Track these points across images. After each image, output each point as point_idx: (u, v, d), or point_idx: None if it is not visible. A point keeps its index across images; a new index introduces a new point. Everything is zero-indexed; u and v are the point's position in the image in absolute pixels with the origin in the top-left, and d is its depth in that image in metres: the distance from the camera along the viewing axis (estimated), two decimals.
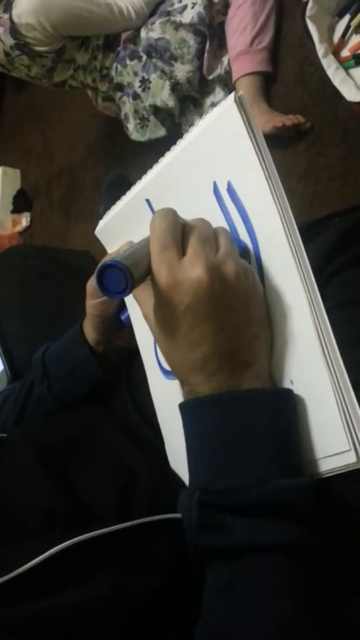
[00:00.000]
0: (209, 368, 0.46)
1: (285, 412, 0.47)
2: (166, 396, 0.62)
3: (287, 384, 0.49)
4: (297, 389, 0.48)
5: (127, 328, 0.70)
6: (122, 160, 2.09)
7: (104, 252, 0.71)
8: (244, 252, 0.52)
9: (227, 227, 0.53)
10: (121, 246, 0.65)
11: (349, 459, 0.45)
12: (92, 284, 0.69)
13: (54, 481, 0.58)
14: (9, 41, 1.58)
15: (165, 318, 0.47)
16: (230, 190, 0.52)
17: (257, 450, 0.45)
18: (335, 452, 0.46)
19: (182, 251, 0.46)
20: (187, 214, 0.57)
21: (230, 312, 0.46)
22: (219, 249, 0.47)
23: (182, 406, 0.49)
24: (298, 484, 0.44)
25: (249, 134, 0.49)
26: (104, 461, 0.64)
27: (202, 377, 0.47)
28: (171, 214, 0.49)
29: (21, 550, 0.47)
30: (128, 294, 0.45)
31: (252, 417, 0.46)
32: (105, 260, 0.45)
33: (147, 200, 0.61)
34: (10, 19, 1.53)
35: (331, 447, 0.46)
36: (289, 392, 0.48)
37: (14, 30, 1.54)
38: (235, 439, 0.45)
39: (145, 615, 0.46)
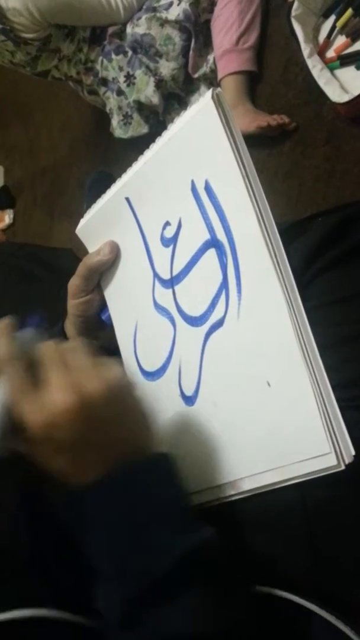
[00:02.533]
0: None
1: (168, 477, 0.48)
2: (146, 397, 0.61)
3: (263, 386, 0.49)
4: (275, 391, 0.48)
5: (108, 327, 0.69)
6: (107, 158, 2.08)
7: (86, 250, 0.70)
8: (220, 252, 0.51)
9: (204, 226, 0.53)
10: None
11: (329, 461, 0.45)
12: (73, 283, 0.68)
13: (25, 501, 0.57)
14: None
15: (45, 454, 0.46)
16: (208, 188, 0.52)
17: (153, 520, 0.45)
18: (316, 454, 0.46)
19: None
20: (166, 212, 0.57)
21: (107, 427, 0.46)
22: (72, 369, 0.46)
23: (58, 497, 0.49)
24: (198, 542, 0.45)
25: (226, 131, 0.48)
26: None
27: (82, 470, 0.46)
28: (14, 359, 0.47)
29: None
30: None
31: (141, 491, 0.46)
32: None
33: (127, 199, 0.61)
34: None
35: (311, 449, 0.46)
36: (162, 458, 0.49)
37: (0, 14, 1.52)
38: (129, 517, 0.45)
39: None
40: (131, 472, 0.46)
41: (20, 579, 0.51)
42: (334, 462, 0.45)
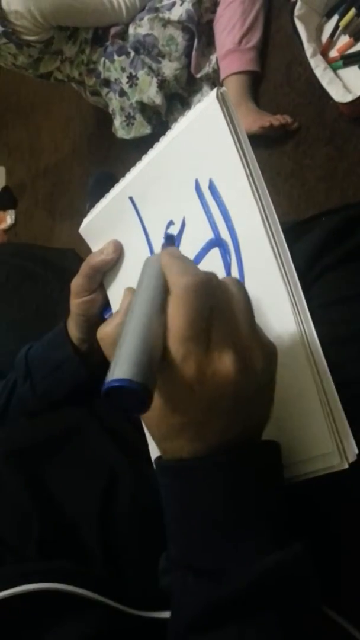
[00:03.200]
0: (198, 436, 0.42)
1: (277, 467, 0.45)
2: None
3: None
4: (279, 390, 0.48)
5: None
6: (108, 158, 2.08)
7: (89, 250, 0.70)
8: (224, 250, 0.51)
9: (208, 225, 0.52)
10: (106, 249, 0.64)
11: (333, 460, 0.45)
12: (76, 282, 0.68)
13: (29, 489, 0.56)
14: None
15: (177, 406, 0.41)
16: (212, 187, 0.52)
17: (251, 518, 0.42)
18: (319, 453, 0.45)
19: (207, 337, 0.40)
20: (170, 211, 0.57)
21: (249, 403, 0.42)
22: (243, 331, 0.42)
23: (160, 466, 0.45)
24: (287, 558, 0.41)
25: (230, 130, 0.48)
26: (86, 466, 0.63)
27: (184, 441, 0.42)
28: (206, 292, 0.41)
29: None
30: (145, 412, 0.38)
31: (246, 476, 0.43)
32: (111, 377, 0.36)
33: (131, 198, 0.61)
34: (0, 6, 1.51)
35: (314, 448, 0.46)
36: (275, 444, 0.45)
37: (2, 17, 1.53)
38: (229, 506, 0.42)
39: None
40: (251, 452, 0.43)
41: (30, 556, 0.51)
42: (337, 460, 0.44)
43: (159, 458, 0.46)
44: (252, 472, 0.43)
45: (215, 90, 0.49)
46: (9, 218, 2.65)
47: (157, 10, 1.58)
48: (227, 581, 0.41)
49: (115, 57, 1.65)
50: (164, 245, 0.52)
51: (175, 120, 0.54)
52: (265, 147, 1.52)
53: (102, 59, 1.69)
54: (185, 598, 0.42)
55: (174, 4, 1.56)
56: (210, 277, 0.42)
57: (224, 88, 0.49)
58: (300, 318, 0.46)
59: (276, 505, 0.44)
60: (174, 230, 0.57)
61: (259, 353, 0.41)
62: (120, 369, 0.36)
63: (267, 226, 0.48)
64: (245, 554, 0.42)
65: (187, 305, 0.39)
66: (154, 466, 0.46)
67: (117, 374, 0.35)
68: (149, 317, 0.39)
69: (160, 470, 0.45)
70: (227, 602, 0.40)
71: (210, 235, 0.53)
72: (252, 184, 0.48)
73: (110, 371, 0.36)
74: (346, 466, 0.44)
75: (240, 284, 0.44)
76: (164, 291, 0.42)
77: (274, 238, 0.47)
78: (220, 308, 0.41)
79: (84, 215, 0.68)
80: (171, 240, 0.53)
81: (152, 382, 0.36)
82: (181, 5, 1.55)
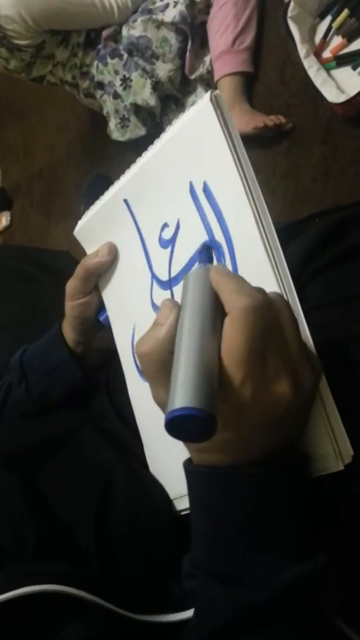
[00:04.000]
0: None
1: (305, 477, 0.45)
2: (145, 399, 0.61)
3: None
4: None
5: (106, 329, 0.69)
6: (103, 159, 2.08)
7: (84, 252, 0.70)
8: (218, 253, 0.51)
9: (202, 227, 0.52)
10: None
11: (329, 461, 0.45)
12: (71, 285, 0.68)
13: (24, 493, 0.56)
14: None
15: (226, 424, 0.40)
16: (206, 190, 0.52)
17: (281, 528, 0.43)
18: (315, 454, 0.46)
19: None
20: (164, 214, 0.57)
21: (293, 420, 0.42)
22: (294, 351, 0.41)
23: (194, 471, 0.45)
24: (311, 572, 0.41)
25: (224, 133, 0.48)
26: (81, 469, 0.63)
27: (224, 455, 0.43)
28: (265, 314, 0.40)
29: None
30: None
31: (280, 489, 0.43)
32: (174, 405, 0.35)
33: (125, 201, 0.61)
34: None
35: (310, 450, 0.46)
36: (303, 455, 0.45)
37: None
38: (262, 515, 0.43)
39: None
40: (285, 464, 0.43)
41: (26, 559, 0.50)
42: (333, 462, 0.45)
43: (189, 461, 0.46)
44: (285, 483, 0.43)
45: (208, 93, 0.49)
46: (4, 219, 2.65)
47: (150, 12, 1.58)
48: (253, 591, 0.41)
49: (109, 59, 1.65)
50: (202, 260, 0.50)
51: (170, 121, 0.54)
52: (259, 147, 1.52)
53: (95, 62, 1.69)
54: (211, 605, 0.43)
55: (167, 6, 1.56)
56: (267, 297, 0.41)
57: (217, 91, 0.49)
58: None
59: (304, 515, 0.44)
60: (168, 233, 0.57)
61: (308, 372, 0.41)
62: (184, 397, 0.35)
63: (261, 228, 0.48)
64: (272, 563, 0.42)
65: (248, 328, 0.39)
66: (183, 469, 0.46)
67: (182, 402, 0.34)
68: (205, 339, 0.39)
69: (192, 476, 0.45)
70: (252, 611, 0.40)
71: (204, 237, 0.53)
72: (246, 186, 0.48)
73: (171, 399, 0.35)
74: (342, 467, 0.44)
75: (285, 300, 0.44)
76: (217, 310, 0.41)
77: (267, 240, 0.48)
78: (274, 329, 0.40)
79: (79, 216, 0.68)
80: (209, 254, 0.51)
81: (216, 408, 0.36)
82: (174, 6, 1.55)
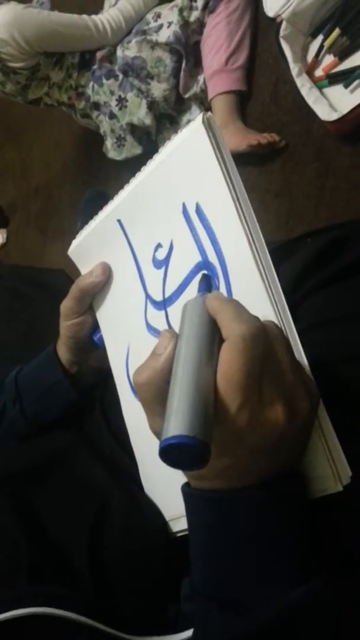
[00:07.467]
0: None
1: (304, 499, 0.45)
2: (139, 420, 0.61)
3: None
4: None
5: (100, 349, 0.69)
6: (99, 177, 2.09)
7: (79, 271, 0.70)
8: (212, 274, 0.51)
9: (196, 248, 0.53)
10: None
11: (327, 483, 0.45)
12: (66, 304, 0.69)
13: (18, 516, 0.56)
14: None
15: (223, 451, 0.41)
16: (199, 211, 0.52)
17: (280, 551, 0.43)
18: (313, 477, 0.45)
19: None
20: (158, 234, 0.57)
21: (291, 444, 0.43)
22: (290, 376, 0.42)
23: (193, 495, 0.45)
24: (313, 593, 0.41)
25: (216, 155, 0.49)
26: (75, 490, 0.63)
27: (222, 480, 0.43)
28: (262, 341, 0.40)
29: None
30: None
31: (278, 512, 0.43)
32: (168, 433, 0.35)
33: (119, 221, 0.61)
34: None
35: (309, 472, 0.46)
36: (301, 477, 0.45)
37: None
38: (261, 539, 0.43)
39: None
40: (285, 488, 0.43)
41: (20, 583, 0.50)
42: (332, 483, 0.44)
43: (187, 485, 0.46)
44: (283, 506, 0.43)
45: (201, 115, 0.49)
46: (1, 237, 2.65)
47: (144, 32, 1.60)
48: (250, 616, 0.41)
49: (104, 80, 1.67)
50: (201, 289, 0.51)
51: (165, 139, 0.54)
52: (253, 164, 1.53)
53: (91, 83, 1.70)
54: (208, 630, 0.42)
55: (161, 27, 1.58)
56: (264, 324, 0.42)
57: (209, 113, 0.50)
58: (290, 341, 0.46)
59: (303, 537, 0.44)
60: (162, 254, 0.57)
61: (304, 397, 0.42)
62: (178, 425, 0.35)
63: (254, 249, 0.48)
64: (270, 589, 0.42)
65: (246, 355, 0.39)
66: (182, 493, 0.46)
67: (175, 430, 0.34)
68: (201, 367, 0.39)
69: (191, 499, 0.45)
70: (249, 637, 0.40)
71: (198, 258, 0.53)
72: (239, 208, 0.48)
73: (165, 427, 0.36)
74: (341, 489, 0.44)
75: (279, 327, 0.44)
76: (214, 337, 0.42)
77: (261, 261, 0.48)
78: (270, 355, 0.41)
79: (75, 233, 0.68)
80: (208, 282, 0.51)
81: (210, 436, 0.36)
82: (168, 27, 1.57)
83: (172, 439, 0.34)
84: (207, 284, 0.51)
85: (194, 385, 0.38)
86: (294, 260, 0.64)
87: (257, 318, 0.42)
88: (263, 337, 0.40)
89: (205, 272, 0.53)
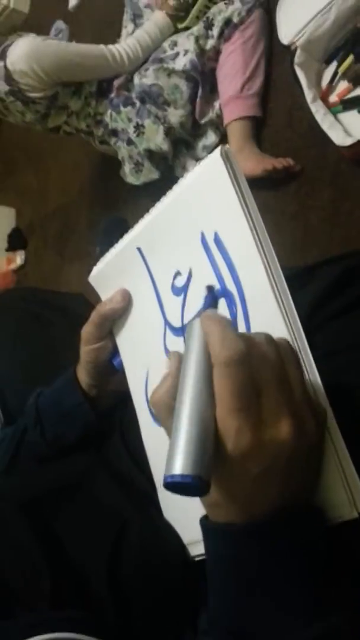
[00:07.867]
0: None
1: (322, 531, 0.44)
2: (158, 443, 0.62)
3: None
4: None
5: (119, 373, 0.70)
6: (116, 201, 2.11)
7: (97, 294, 0.72)
8: (230, 301, 0.53)
9: (214, 276, 0.54)
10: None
11: (343, 510, 0.45)
12: (86, 330, 0.70)
13: (40, 540, 0.57)
14: (3, 87, 1.61)
15: (231, 476, 0.41)
16: (217, 240, 0.53)
17: (297, 584, 0.42)
18: (329, 504, 0.46)
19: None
20: (176, 262, 0.58)
21: (301, 467, 0.43)
22: (296, 394, 0.42)
23: (211, 528, 0.45)
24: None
25: (234, 186, 0.50)
26: (95, 514, 0.63)
27: (235, 508, 0.43)
28: (248, 362, 0.41)
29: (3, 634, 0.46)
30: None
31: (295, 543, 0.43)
32: (171, 471, 0.38)
33: (139, 249, 0.63)
34: (5, 66, 1.56)
35: (325, 499, 0.46)
36: (319, 509, 0.45)
37: (8, 76, 1.57)
38: (276, 573, 0.42)
39: None
40: (303, 520, 0.43)
41: (42, 607, 0.51)
42: (348, 510, 0.45)
43: (205, 518, 0.46)
44: (298, 540, 0.43)
45: (219, 148, 0.51)
46: (19, 258, 2.69)
47: (161, 60, 1.63)
48: None
49: (122, 108, 1.70)
50: (207, 304, 0.53)
51: (181, 163, 0.56)
52: (268, 189, 1.55)
53: (109, 110, 1.73)
54: None
55: (177, 55, 1.61)
56: (251, 344, 0.42)
57: (227, 146, 0.51)
58: (306, 368, 0.47)
59: (319, 569, 0.44)
60: (181, 281, 0.58)
61: (311, 415, 0.42)
62: (179, 463, 0.38)
63: (271, 277, 0.49)
64: (286, 625, 0.42)
65: (231, 380, 0.40)
66: (200, 526, 0.46)
67: (177, 469, 0.38)
68: (200, 395, 0.41)
69: (207, 533, 0.46)
70: None
71: (216, 286, 0.54)
72: (256, 237, 0.50)
73: (168, 462, 0.39)
74: (356, 516, 0.44)
75: (290, 345, 0.45)
76: (210, 361, 0.42)
77: (277, 289, 0.49)
78: (268, 372, 0.41)
79: (92, 256, 0.70)
80: (213, 296, 0.53)
81: (209, 472, 0.39)
82: (184, 55, 1.60)
83: (170, 478, 0.38)
84: (213, 297, 0.53)
85: (192, 418, 0.40)
86: (311, 288, 0.65)
87: (240, 340, 0.41)
88: (247, 359, 0.40)
89: (209, 284, 0.54)
